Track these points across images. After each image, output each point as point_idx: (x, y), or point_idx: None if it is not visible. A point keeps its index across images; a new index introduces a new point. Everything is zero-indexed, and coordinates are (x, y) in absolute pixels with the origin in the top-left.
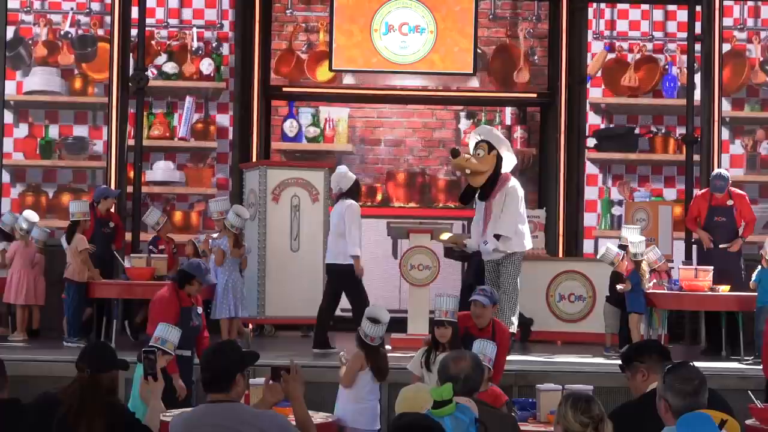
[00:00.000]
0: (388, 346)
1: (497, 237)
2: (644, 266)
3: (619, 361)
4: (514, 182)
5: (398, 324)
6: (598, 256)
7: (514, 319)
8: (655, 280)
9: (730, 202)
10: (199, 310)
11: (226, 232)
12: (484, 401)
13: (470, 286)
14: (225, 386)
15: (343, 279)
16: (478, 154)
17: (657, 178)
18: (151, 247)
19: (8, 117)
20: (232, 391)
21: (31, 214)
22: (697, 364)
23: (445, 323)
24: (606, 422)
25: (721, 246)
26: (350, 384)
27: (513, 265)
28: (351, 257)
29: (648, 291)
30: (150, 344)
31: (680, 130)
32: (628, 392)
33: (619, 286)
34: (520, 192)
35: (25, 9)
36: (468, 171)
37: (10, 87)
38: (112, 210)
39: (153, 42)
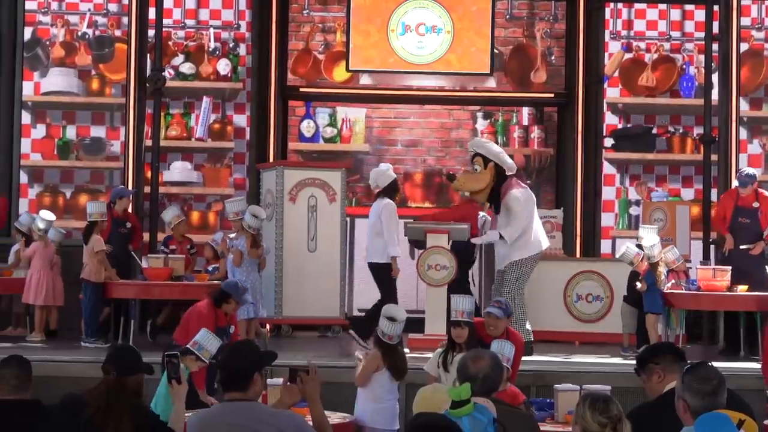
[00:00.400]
0: (406, 350)
1: (500, 237)
2: (661, 267)
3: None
4: (516, 191)
5: (415, 324)
6: (617, 256)
7: (528, 327)
8: (673, 281)
9: (756, 204)
10: (232, 329)
11: (244, 233)
12: (503, 401)
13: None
14: (243, 385)
15: (378, 276)
16: (475, 170)
17: (674, 178)
18: (162, 247)
19: (26, 118)
20: (250, 391)
21: (47, 214)
22: (715, 364)
23: (462, 323)
24: (624, 422)
25: (742, 247)
26: (364, 384)
27: (514, 273)
28: (390, 257)
29: (666, 291)
30: (187, 346)
31: (698, 130)
32: (645, 393)
33: (638, 285)
34: (524, 198)
35: (42, 10)
36: (467, 193)
37: (27, 88)
38: (129, 210)
39: (170, 42)
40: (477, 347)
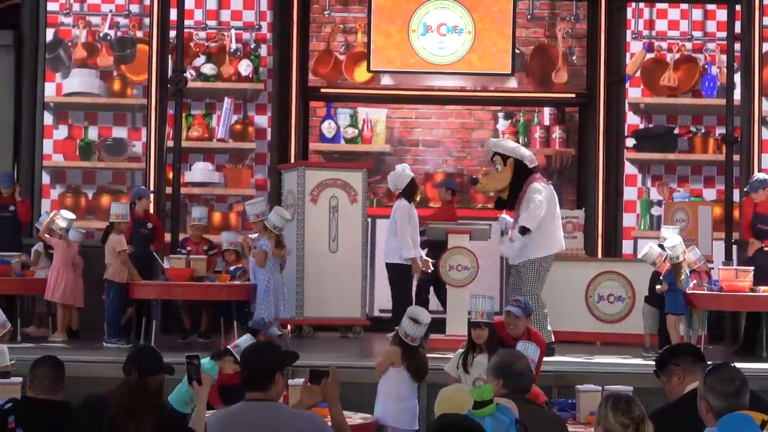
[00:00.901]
0: (429, 355)
1: (523, 231)
2: (684, 267)
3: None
4: (538, 184)
5: (437, 325)
6: (640, 255)
7: (549, 328)
8: (695, 281)
9: None
10: None
11: (267, 233)
12: (532, 401)
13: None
14: (264, 385)
15: (392, 276)
16: (496, 169)
17: (696, 178)
18: (179, 248)
19: (48, 119)
20: (271, 391)
21: (67, 213)
22: (737, 365)
23: (482, 324)
24: (647, 423)
25: (766, 248)
26: (380, 374)
27: (531, 272)
28: (406, 260)
29: (688, 291)
30: (227, 347)
31: (720, 130)
32: (666, 394)
33: (658, 286)
34: (545, 191)
35: (64, 11)
36: (492, 193)
37: (49, 89)
38: (150, 211)
39: (191, 43)
40: (497, 348)
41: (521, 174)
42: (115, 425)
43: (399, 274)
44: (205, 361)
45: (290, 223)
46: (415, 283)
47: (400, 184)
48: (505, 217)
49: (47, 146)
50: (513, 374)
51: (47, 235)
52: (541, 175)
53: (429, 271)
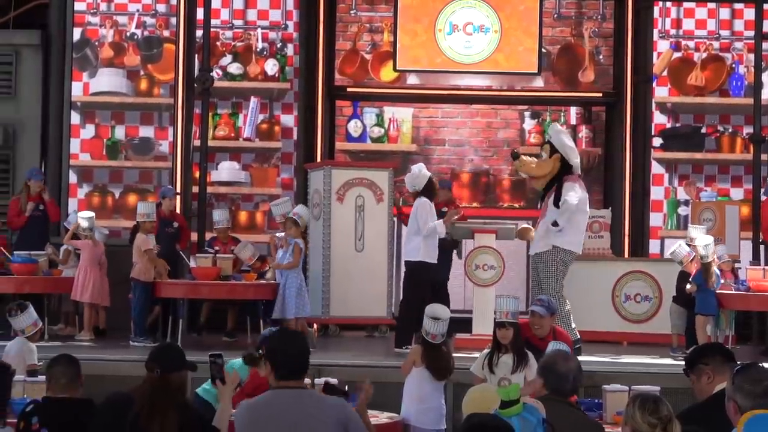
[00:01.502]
0: (455, 354)
1: (555, 224)
2: (714, 267)
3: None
4: (573, 184)
5: (463, 324)
6: (667, 255)
7: (574, 325)
8: (722, 281)
9: None
10: None
11: (297, 231)
12: (575, 405)
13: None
14: (300, 373)
15: (407, 274)
16: (540, 156)
17: (724, 177)
18: (207, 247)
19: (75, 118)
20: (303, 379)
21: (86, 213)
22: (765, 365)
23: (506, 324)
24: (674, 423)
25: None
26: (406, 373)
27: (545, 265)
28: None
29: (718, 292)
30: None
31: (747, 130)
32: (694, 394)
33: (687, 286)
34: (582, 192)
35: (91, 11)
36: (525, 175)
37: (76, 88)
38: (177, 210)
39: (218, 43)
40: (523, 348)
41: (562, 172)
42: (138, 423)
43: (415, 272)
44: (236, 362)
45: (316, 222)
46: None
47: (418, 184)
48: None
49: (74, 145)
50: (554, 375)
51: (72, 240)
52: (581, 180)
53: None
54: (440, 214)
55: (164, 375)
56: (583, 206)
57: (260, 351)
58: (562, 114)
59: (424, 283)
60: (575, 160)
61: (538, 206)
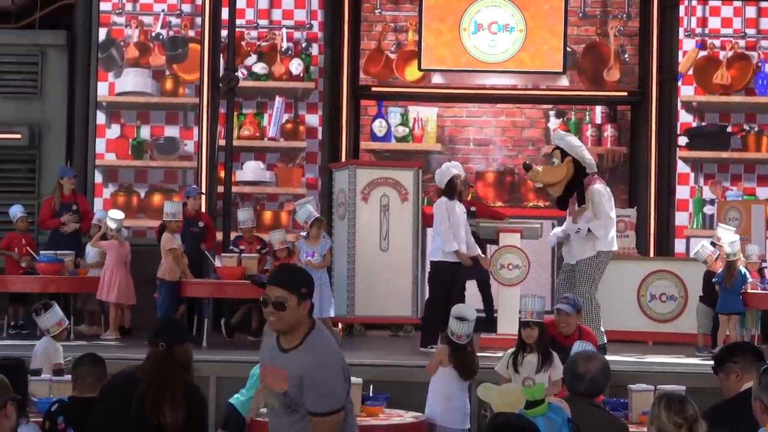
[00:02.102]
0: (480, 354)
1: (588, 231)
2: (740, 266)
3: (712, 363)
4: (597, 185)
5: (488, 324)
6: (692, 254)
7: (602, 329)
8: (750, 280)
9: None
10: None
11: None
12: (601, 406)
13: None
14: None
15: (430, 273)
16: (553, 163)
17: (750, 176)
18: (232, 246)
19: (101, 118)
20: None
21: (115, 212)
22: None
23: (531, 324)
24: (700, 423)
25: None
26: (431, 372)
27: (586, 271)
28: (451, 253)
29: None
30: None
31: None
32: (721, 393)
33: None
34: (607, 192)
35: (116, 11)
36: (540, 185)
37: (102, 88)
38: (202, 210)
39: (243, 43)
40: (548, 347)
41: (578, 175)
42: (146, 399)
43: (436, 271)
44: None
45: (341, 222)
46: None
47: (441, 181)
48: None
49: (100, 145)
50: (570, 375)
51: (100, 242)
52: (599, 176)
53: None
54: (469, 214)
55: (169, 348)
56: (609, 201)
57: None
58: (587, 113)
59: (447, 282)
60: (588, 158)
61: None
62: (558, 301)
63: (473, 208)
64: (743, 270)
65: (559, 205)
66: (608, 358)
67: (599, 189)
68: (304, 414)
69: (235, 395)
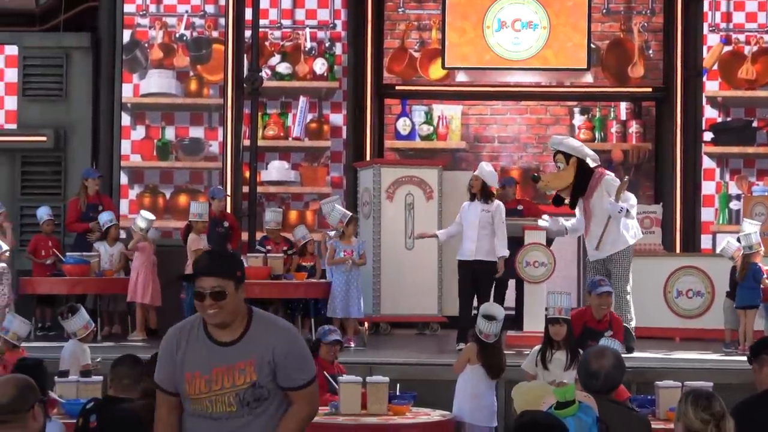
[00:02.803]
0: (506, 352)
1: (626, 213)
2: (754, 260)
3: (746, 355)
4: (609, 175)
5: (514, 321)
6: (718, 250)
7: (631, 315)
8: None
9: None
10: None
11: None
12: (619, 401)
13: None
14: None
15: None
16: (558, 167)
17: None
18: (259, 246)
19: (125, 119)
20: None
21: (147, 214)
22: None
23: (560, 321)
24: (727, 419)
25: None
26: (458, 371)
27: (621, 264)
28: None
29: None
30: None
31: None
32: (748, 389)
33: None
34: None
35: (140, 13)
36: (552, 192)
37: (127, 90)
38: (228, 210)
39: (267, 43)
40: (575, 345)
41: (584, 173)
42: None
43: (459, 271)
44: None
45: (366, 221)
46: None
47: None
48: (546, 219)
49: (125, 147)
50: (586, 373)
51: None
52: (602, 167)
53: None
54: (513, 212)
55: None
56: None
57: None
58: (612, 109)
59: (468, 281)
60: (591, 154)
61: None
62: (596, 285)
63: (520, 207)
64: (758, 264)
65: (571, 206)
66: (635, 354)
67: (613, 176)
68: (273, 400)
69: None
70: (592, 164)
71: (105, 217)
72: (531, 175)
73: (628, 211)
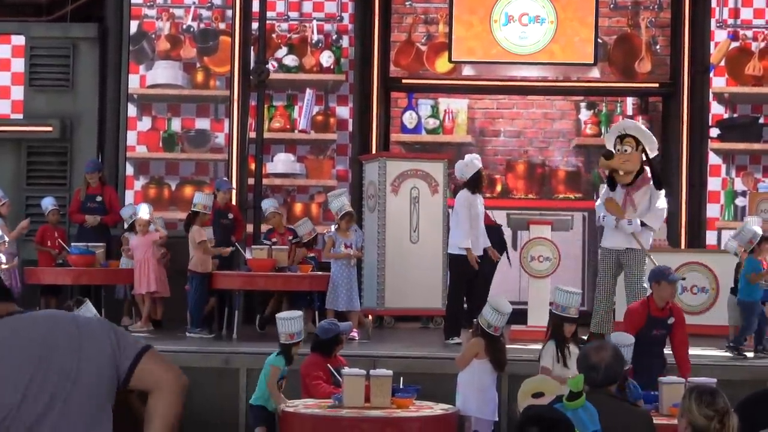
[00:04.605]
0: (510, 346)
1: (643, 224)
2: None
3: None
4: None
5: (518, 316)
6: (723, 246)
7: None
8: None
9: None
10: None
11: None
12: (617, 395)
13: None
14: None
15: (450, 267)
16: (626, 151)
17: None
18: (264, 239)
19: (132, 110)
20: None
21: (145, 206)
22: None
23: (575, 319)
24: (731, 415)
25: None
26: (463, 366)
27: (638, 260)
28: (461, 249)
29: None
30: None
31: None
32: (752, 385)
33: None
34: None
35: (148, 4)
36: (621, 172)
37: (133, 81)
38: (233, 202)
39: (273, 35)
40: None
41: (644, 163)
42: None
43: (454, 265)
44: (271, 358)
45: (371, 214)
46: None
47: (466, 173)
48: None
49: (131, 138)
50: (587, 367)
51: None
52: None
53: (495, 260)
54: None
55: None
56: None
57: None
58: (619, 105)
59: (467, 274)
60: (654, 150)
61: (594, 198)
62: (666, 273)
63: None
64: (755, 258)
65: (611, 188)
66: None
67: (661, 192)
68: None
69: (254, 396)
70: (651, 155)
71: (128, 212)
72: (605, 152)
73: (643, 223)
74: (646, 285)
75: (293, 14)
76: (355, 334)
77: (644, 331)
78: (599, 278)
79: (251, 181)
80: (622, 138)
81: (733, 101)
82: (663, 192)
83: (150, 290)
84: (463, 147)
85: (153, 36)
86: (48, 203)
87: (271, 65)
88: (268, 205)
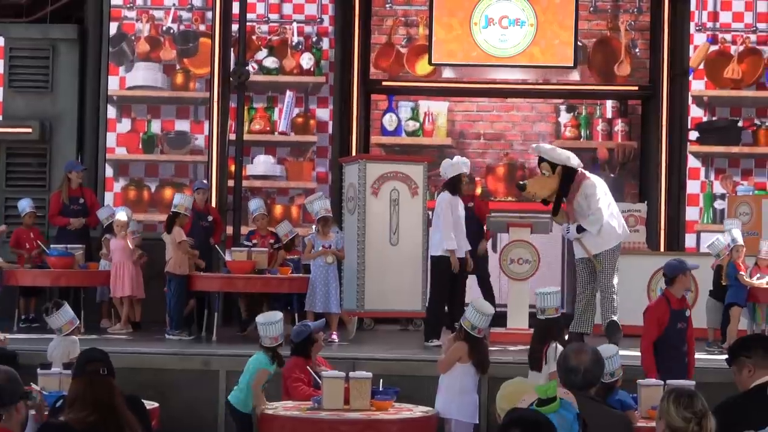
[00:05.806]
0: (490, 348)
1: (579, 229)
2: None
3: (725, 356)
4: (589, 179)
5: (498, 318)
6: (705, 247)
7: (615, 310)
8: (758, 275)
9: None
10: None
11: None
12: (596, 398)
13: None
14: None
15: (431, 269)
16: (544, 174)
17: (760, 171)
18: (245, 241)
19: (111, 112)
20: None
21: (123, 209)
22: None
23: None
24: (709, 417)
25: None
26: (445, 370)
27: (606, 262)
28: (445, 251)
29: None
30: None
31: None
32: (730, 388)
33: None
34: (600, 186)
35: (127, 5)
36: (537, 199)
37: (113, 82)
38: (213, 204)
39: (254, 37)
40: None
41: (568, 179)
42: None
43: (437, 267)
44: (257, 357)
45: (351, 216)
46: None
47: (448, 173)
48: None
49: (110, 139)
50: (565, 369)
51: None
52: (583, 170)
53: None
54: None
55: (111, 375)
56: (603, 191)
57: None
58: (598, 107)
59: (445, 274)
60: (575, 161)
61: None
62: (687, 264)
63: (471, 204)
64: (735, 262)
65: (553, 213)
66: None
67: (593, 182)
68: None
69: (232, 392)
70: (577, 167)
71: (105, 213)
72: (517, 183)
73: (582, 228)
74: (615, 286)
75: (273, 16)
76: (335, 336)
77: (670, 327)
78: (577, 284)
79: (231, 183)
80: (539, 163)
81: (712, 104)
82: (597, 193)
83: (125, 294)
84: (443, 149)
85: (133, 37)
86: (25, 205)
87: (251, 67)
88: (257, 206)
